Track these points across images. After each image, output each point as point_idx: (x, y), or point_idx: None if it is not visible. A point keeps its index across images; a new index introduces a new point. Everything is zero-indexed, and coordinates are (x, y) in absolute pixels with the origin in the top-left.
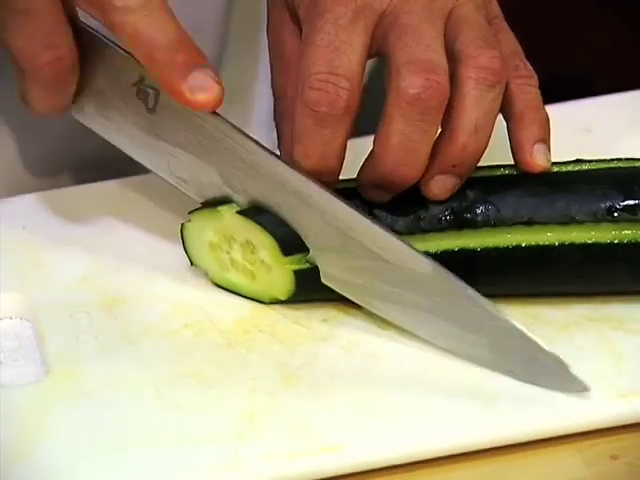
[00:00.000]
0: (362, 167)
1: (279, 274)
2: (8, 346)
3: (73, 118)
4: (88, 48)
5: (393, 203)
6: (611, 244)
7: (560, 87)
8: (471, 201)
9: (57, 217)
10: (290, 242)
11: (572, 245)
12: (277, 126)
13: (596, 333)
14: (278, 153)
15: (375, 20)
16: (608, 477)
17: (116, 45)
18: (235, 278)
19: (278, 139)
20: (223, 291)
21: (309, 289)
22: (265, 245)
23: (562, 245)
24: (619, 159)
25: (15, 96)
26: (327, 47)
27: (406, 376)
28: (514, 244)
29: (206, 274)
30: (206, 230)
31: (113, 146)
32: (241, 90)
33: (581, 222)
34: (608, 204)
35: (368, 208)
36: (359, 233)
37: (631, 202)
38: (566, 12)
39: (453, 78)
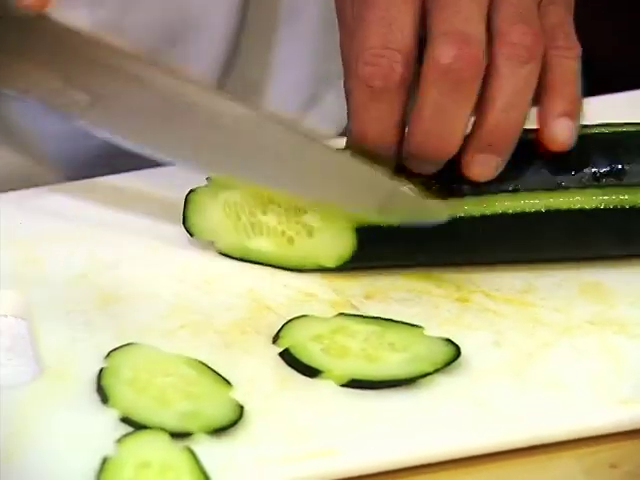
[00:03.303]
0: (405, 140)
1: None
2: (3, 345)
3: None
4: None
5: None
6: (597, 209)
7: None
8: (457, 170)
9: (54, 213)
10: None
11: (558, 211)
12: (346, 95)
13: (598, 337)
14: None
15: None
16: None
17: None
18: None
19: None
20: (221, 291)
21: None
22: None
23: (548, 212)
24: (602, 124)
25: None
26: (379, 22)
27: None
28: (500, 212)
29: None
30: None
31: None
32: (256, 83)
33: (567, 188)
34: (593, 170)
35: None
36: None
37: (616, 167)
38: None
39: (488, 55)
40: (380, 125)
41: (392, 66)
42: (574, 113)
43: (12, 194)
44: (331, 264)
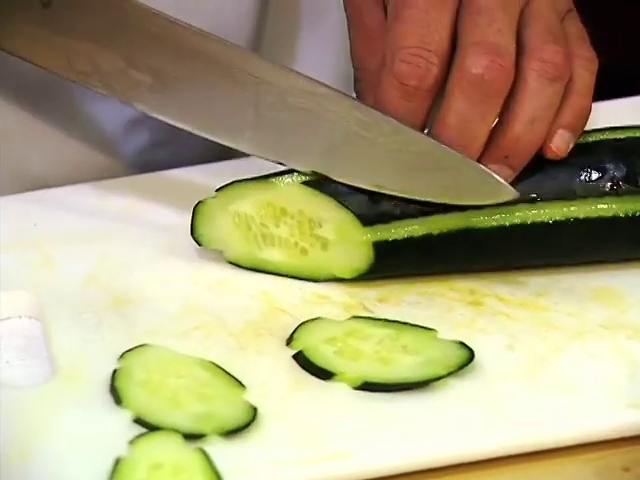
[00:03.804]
0: None
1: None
2: (16, 346)
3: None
4: None
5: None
6: (615, 217)
7: None
8: None
9: (68, 214)
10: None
11: (577, 220)
12: (358, 96)
13: (611, 341)
14: None
15: None
16: None
17: None
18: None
19: None
20: (235, 293)
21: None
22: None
23: (567, 221)
24: (615, 128)
25: (26, 90)
26: (418, 22)
27: None
28: (518, 222)
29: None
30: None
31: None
32: None
33: (584, 197)
34: (610, 177)
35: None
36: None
37: (632, 173)
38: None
39: (516, 69)
40: (405, 123)
41: (429, 67)
42: (577, 127)
43: (26, 195)
44: (347, 276)
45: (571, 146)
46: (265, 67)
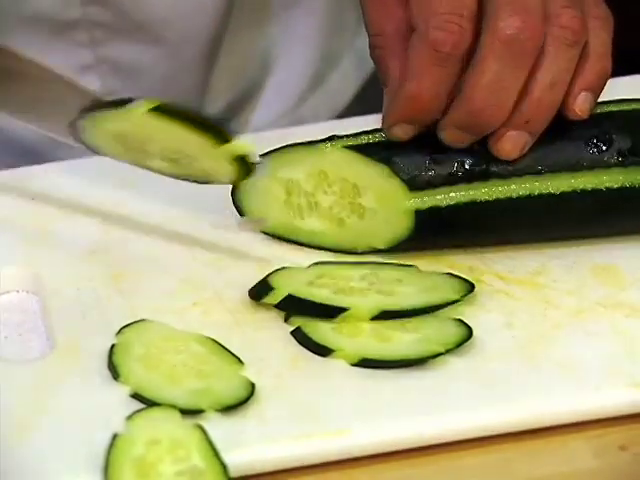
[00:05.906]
0: (450, 108)
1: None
2: (14, 320)
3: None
4: None
5: (404, 158)
6: (622, 188)
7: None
8: (482, 154)
9: (67, 189)
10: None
11: (583, 191)
12: (377, 62)
13: (609, 320)
14: None
15: None
16: (616, 468)
17: None
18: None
19: (383, 75)
20: (233, 269)
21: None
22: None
23: (574, 192)
24: (621, 100)
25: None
26: None
27: None
28: (526, 194)
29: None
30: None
31: None
32: (245, 69)
33: (591, 168)
34: (617, 148)
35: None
36: None
37: (639, 145)
38: None
39: None
40: (438, 88)
41: (462, 33)
42: (599, 88)
43: (25, 169)
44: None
45: (593, 106)
46: None
